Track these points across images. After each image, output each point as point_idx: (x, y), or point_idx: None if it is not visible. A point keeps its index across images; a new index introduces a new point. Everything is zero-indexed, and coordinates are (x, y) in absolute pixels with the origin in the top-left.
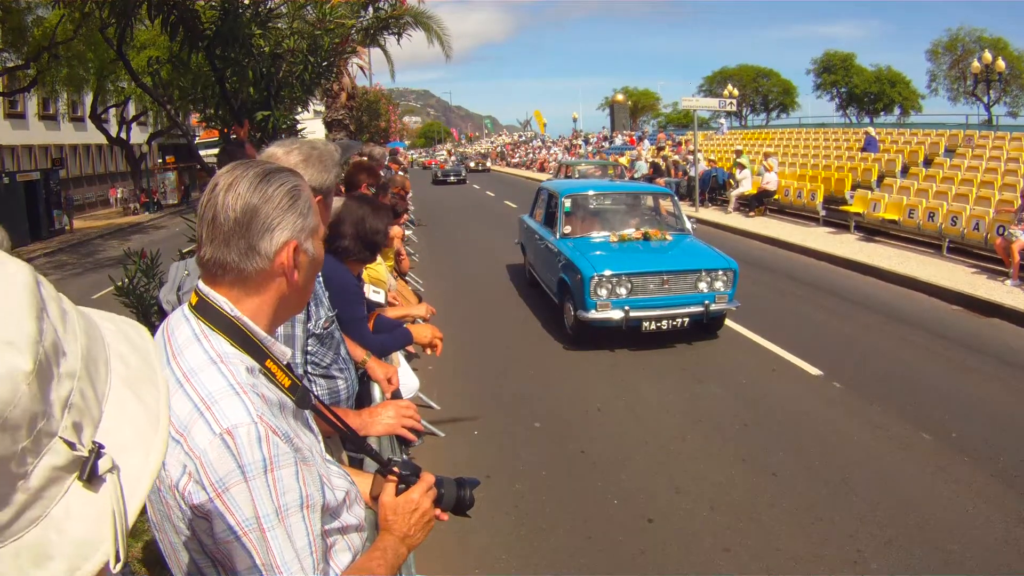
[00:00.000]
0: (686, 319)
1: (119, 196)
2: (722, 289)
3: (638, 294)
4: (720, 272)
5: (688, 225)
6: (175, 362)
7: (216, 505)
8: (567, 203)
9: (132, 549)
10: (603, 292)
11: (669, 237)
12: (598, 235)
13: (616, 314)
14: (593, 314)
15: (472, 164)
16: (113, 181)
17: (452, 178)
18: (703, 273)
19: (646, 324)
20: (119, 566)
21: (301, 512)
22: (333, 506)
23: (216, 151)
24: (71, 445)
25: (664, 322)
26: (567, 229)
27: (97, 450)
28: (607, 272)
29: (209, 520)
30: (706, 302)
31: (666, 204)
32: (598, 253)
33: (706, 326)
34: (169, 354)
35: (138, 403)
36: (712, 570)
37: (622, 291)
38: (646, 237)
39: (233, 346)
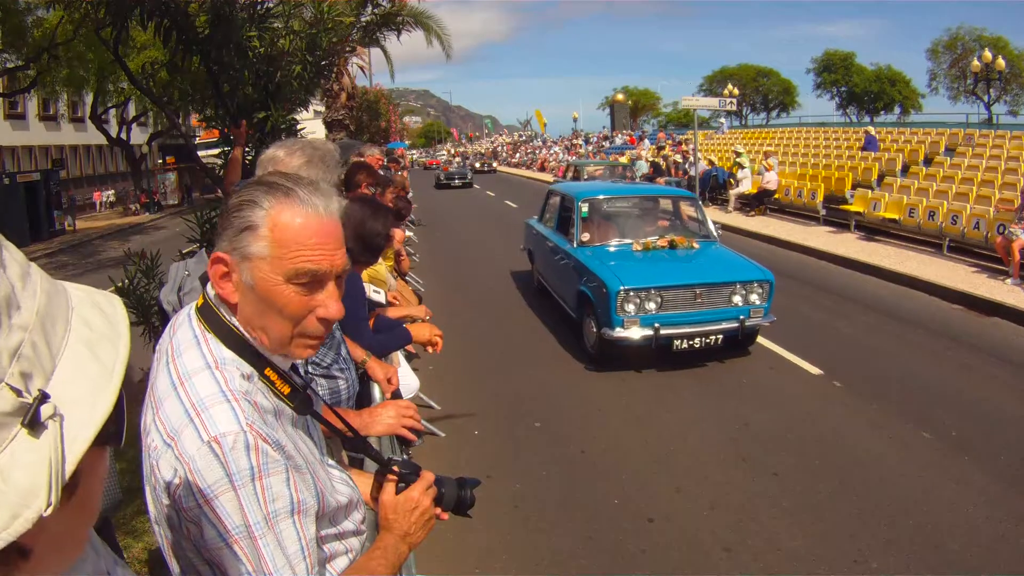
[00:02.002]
0: (720, 336)
1: (104, 199)
2: (757, 302)
3: (668, 309)
4: (756, 284)
5: (714, 231)
6: (173, 364)
7: (205, 512)
8: (584, 208)
9: (132, 549)
10: (630, 308)
11: (696, 245)
12: (619, 243)
13: (645, 332)
14: (619, 332)
15: (477, 165)
16: (113, 182)
17: (457, 181)
18: (738, 285)
19: (677, 342)
20: (50, 510)
21: (292, 518)
22: (333, 511)
23: (216, 151)
24: (17, 392)
25: (697, 339)
26: (585, 237)
27: (41, 397)
28: (635, 286)
29: (199, 526)
30: (741, 317)
31: (689, 208)
32: (623, 264)
33: (739, 342)
34: (169, 355)
35: (94, 361)
36: (712, 570)
37: (651, 306)
38: (672, 245)
39: (231, 352)
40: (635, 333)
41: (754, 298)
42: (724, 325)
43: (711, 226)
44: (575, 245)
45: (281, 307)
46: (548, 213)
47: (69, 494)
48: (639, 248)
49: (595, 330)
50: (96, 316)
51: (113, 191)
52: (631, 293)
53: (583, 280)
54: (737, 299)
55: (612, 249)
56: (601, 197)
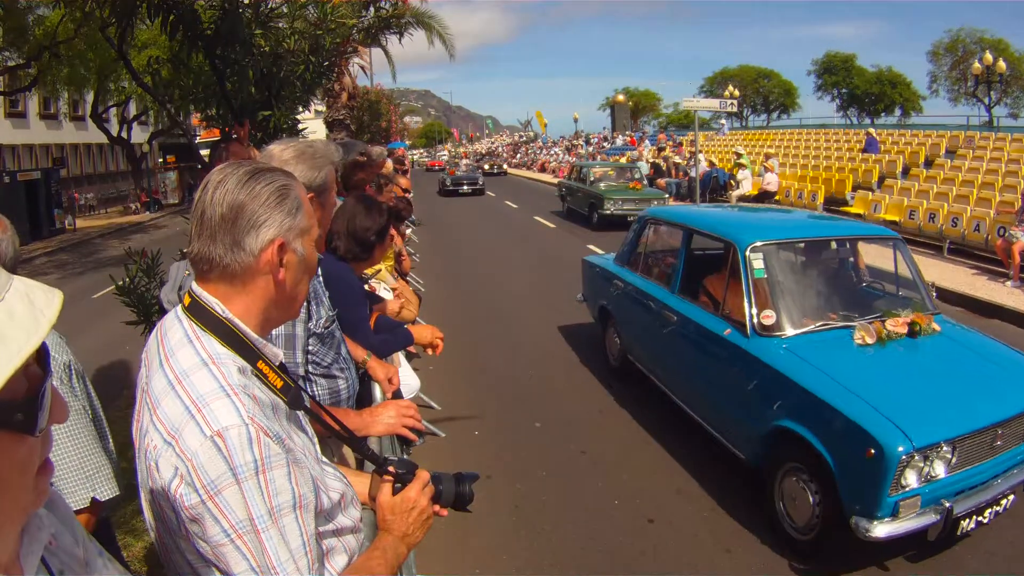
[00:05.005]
0: (1012, 498)
1: (82, 202)
2: None
3: (959, 467)
4: None
5: (930, 294)
6: (168, 364)
7: (209, 507)
8: (757, 263)
9: (132, 549)
10: (912, 478)
11: (936, 327)
12: (823, 327)
13: (929, 519)
14: (891, 526)
15: (487, 167)
16: (113, 181)
17: (466, 186)
18: None
19: (965, 522)
20: None
21: (294, 512)
22: (327, 507)
23: None
24: None
25: (988, 511)
26: (769, 318)
27: None
28: (931, 441)
29: (202, 523)
30: None
31: (888, 255)
32: (876, 383)
33: None
34: (162, 356)
35: (1, 346)
36: (713, 571)
37: (939, 470)
38: (913, 331)
39: (224, 347)
40: (915, 523)
41: None
42: (1019, 478)
43: (924, 286)
44: (748, 334)
45: (313, 265)
46: (647, 256)
47: None
48: (868, 339)
49: (816, 505)
50: (23, 308)
51: (93, 193)
52: (921, 454)
53: (790, 409)
54: None
55: (820, 341)
56: (784, 241)
